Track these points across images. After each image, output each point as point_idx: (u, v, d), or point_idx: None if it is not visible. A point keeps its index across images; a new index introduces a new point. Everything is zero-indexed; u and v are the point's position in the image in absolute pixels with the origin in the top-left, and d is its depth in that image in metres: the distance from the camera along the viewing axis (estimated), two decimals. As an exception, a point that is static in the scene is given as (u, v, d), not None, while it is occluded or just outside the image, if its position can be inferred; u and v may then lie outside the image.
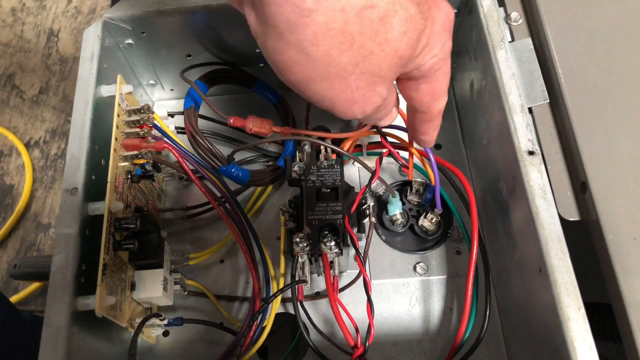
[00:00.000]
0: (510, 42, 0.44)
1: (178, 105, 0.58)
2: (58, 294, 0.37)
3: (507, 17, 0.45)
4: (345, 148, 0.50)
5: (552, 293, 0.35)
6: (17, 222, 1.16)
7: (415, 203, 0.50)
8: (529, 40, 0.43)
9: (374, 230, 0.50)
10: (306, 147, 0.48)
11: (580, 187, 0.38)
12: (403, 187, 0.51)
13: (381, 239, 0.50)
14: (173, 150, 0.43)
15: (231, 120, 0.44)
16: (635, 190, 0.37)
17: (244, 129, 0.44)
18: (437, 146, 0.54)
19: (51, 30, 1.37)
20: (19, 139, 1.23)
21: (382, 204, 0.51)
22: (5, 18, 1.39)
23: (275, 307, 0.44)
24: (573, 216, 0.38)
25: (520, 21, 0.45)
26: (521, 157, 0.39)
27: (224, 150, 0.50)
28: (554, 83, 0.41)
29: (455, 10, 0.48)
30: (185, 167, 0.44)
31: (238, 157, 0.52)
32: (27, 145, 1.23)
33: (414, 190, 0.50)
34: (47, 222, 1.16)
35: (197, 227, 0.52)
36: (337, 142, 0.51)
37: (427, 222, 0.49)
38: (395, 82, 0.35)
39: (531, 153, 0.39)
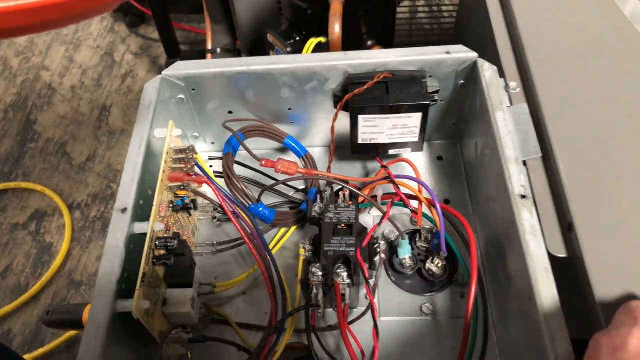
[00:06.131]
0: (508, 106, 0.50)
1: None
2: (102, 294, 0.42)
3: (507, 86, 0.52)
4: (361, 198, 0.56)
5: (539, 317, 0.38)
6: (52, 278, 1.22)
7: (424, 249, 0.55)
8: (525, 105, 0.50)
9: (385, 272, 0.55)
10: (326, 193, 0.54)
11: (567, 228, 0.43)
12: (413, 235, 0.56)
13: (391, 280, 0.54)
14: (211, 185, 0.50)
15: (263, 162, 0.51)
16: (615, 231, 0.41)
17: (273, 170, 0.50)
18: (446, 201, 0.59)
19: (104, 106, 1.51)
20: (63, 201, 1.32)
21: (393, 249, 0.56)
22: (65, 94, 1.53)
23: (291, 329, 0.48)
24: (561, 253, 0.42)
25: (518, 90, 0.52)
26: (514, 200, 0.44)
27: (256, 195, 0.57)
28: (546, 140, 0.47)
29: (462, 81, 0.56)
30: (220, 199, 0.50)
31: (267, 202, 0.58)
32: (69, 207, 1.32)
33: (422, 238, 0.55)
34: (80, 279, 1.21)
35: (224, 262, 0.57)
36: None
37: (434, 266, 0.53)
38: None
39: (523, 197, 0.44)
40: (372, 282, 0.52)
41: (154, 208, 0.46)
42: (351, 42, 0.86)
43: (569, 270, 0.42)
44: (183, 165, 0.50)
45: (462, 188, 0.60)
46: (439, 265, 0.53)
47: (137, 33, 1.68)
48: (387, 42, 0.92)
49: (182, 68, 0.56)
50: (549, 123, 0.47)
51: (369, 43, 0.86)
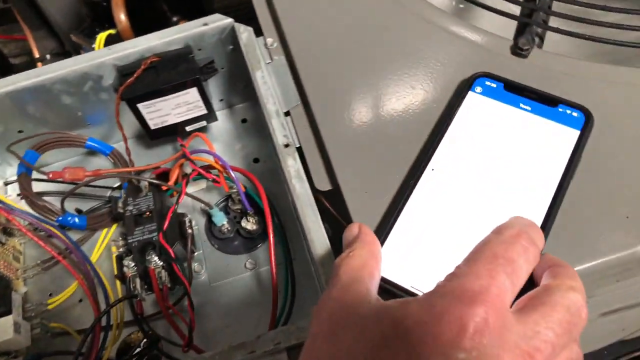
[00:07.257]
0: (269, 62, 0.53)
1: (31, 177, 0.65)
2: None
3: (265, 43, 0.55)
4: (173, 179, 0.58)
5: (310, 245, 0.43)
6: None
7: (239, 211, 0.58)
8: (283, 57, 0.53)
9: (209, 242, 0.58)
10: (141, 185, 0.56)
11: (328, 164, 0.47)
12: (226, 201, 0.59)
13: (214, 247, 0.57)
14: (1, 211, 0.50)
15: (50, 175, 0.52)
16: (359, 163, 0.45)
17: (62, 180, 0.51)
18: (255, 160, 0.63)
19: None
20: None
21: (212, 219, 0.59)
22: None
23: (117, 324, 0.51)
24: (326, 187, 0.46)
25: (275, 44, 0.54)
26: (280, 150, 0.48)
27: (74, 204, 0.58)
28: (303, 88, 0.51)
29: (231, 47, 0.58)
30: (16, 222, 0.51)
31: (85, 207, 0.59)
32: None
33: (236, 201, 0.58)
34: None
35: (57, 277, 0.58)
36: (166, 177, 0.59)
37: (249, 224, 0.57)
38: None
39: (286, 145, 0.48)
40: (197, 254, 0.56)
41: (-57, 252, 0.47)
42: (156, 23, 0.85)
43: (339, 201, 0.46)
44: (-31, 201, 0.50)
45: (267, 145, 0.63)
46: (253, 221, 0.57)
47: (-35, 57, 1.57)
48: (198, 12, 0.92)
49: (-48, 102, 0.54)
50: (301, 71, 0.51)
51: (175, 19, 0.86)
